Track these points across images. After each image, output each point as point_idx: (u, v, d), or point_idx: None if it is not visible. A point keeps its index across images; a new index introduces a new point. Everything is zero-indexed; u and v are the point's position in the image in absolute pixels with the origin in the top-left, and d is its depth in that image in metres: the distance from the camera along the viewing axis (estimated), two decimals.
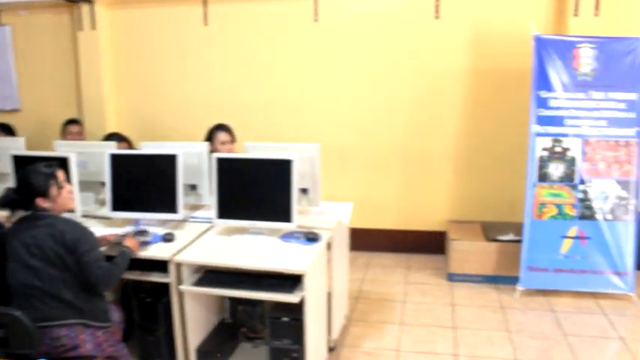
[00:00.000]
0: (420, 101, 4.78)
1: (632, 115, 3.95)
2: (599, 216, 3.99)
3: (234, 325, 3.28)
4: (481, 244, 4.34)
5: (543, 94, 3.95)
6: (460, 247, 4.35)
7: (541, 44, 3.93)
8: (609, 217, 3.99)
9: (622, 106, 3.95)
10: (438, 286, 4.35)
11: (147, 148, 3.48)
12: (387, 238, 5.02)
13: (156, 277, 2.76)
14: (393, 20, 4.70)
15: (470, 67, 4.66)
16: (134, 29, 5.22)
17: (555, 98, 3.96)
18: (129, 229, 3.02)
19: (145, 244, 2.81)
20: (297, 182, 2.91)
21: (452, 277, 4.41)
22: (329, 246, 3.07)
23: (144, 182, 3.16)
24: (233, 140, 4.10)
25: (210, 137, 4.08)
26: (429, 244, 4.93)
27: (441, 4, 4.61)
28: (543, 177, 4.00)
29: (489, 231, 4.53)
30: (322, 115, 4.94)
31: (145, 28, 5.19)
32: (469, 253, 4.33)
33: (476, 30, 4.59)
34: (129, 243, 2.68)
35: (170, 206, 3.12)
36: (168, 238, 2.93)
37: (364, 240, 4.89)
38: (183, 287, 2.71)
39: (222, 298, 3.21)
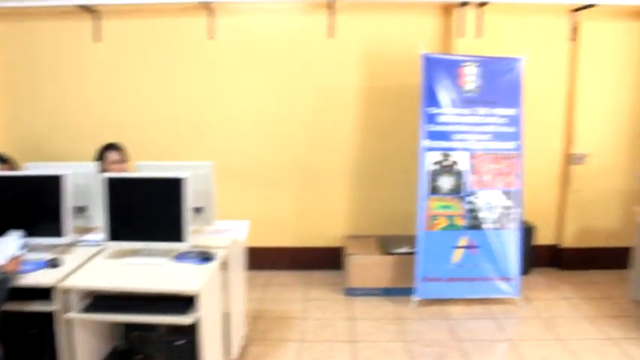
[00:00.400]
0: (316, 118, 4.94)
1: (512, 129, 4.30)
2: (486, 225, 4.29)
3: (128, 352, 3.20)
4: (377, 258, 4.53)
5: (432, 110, 4.22)
6: (357, 261, 4.51)
7: (429, 63, 4.20)
8: (496, 225, 4.30)
9: (504, 121, 4.30)
10: (337, 302, 4.48)
11: (32, 169, 3.34)
12: (285, 255, 5.11)
13: (38, 306, 2.66)
14: (288, 38, 4.84)
15: (364, 85, 4.88)
16: (18, 43, 4.98)
17: (443, 114, 4.24)
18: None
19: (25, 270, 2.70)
20: (190, 201, 2.92)
21: (350, 292, 4.55)
22: (225, 265, 3.09)
23: (28, 205, 3.03)
24: (124, 160, 4.03)
25: (100, 157, 3.99)
26: (327, 260, 5.07)
27: (335, 24, 4.79)
28: (434, 190, 4.25)
29: (385, 245, 4.73)
30: (219, 134, 4.96)
31: (31, 43, 4.96)
32: (366, 267, 4.50)
33: (368, 49, 4.83)
34: (9, 267, 2.57)
35: (56, 230, 3.02)
36: (53, 264, 2.83)
37: (263, 259, 4.95)
38: (70, 315, 2.63)
39: (115, 324, 3.13)
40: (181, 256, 2.94)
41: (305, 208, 5.07)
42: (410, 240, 4.47)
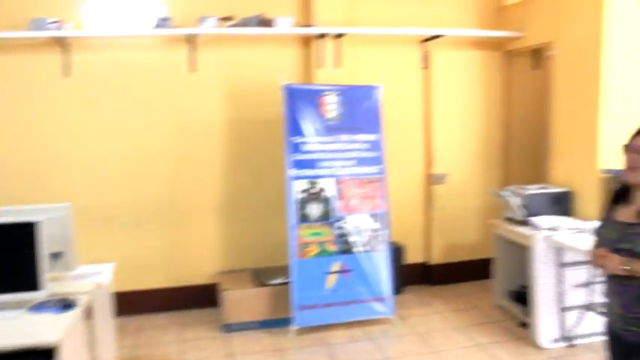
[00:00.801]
0: (181, 153, 4.94)
1: (375, 154, 4.59)
2: (356, 249, 4.50)
3: None
4: (252, 291, 4.58)
5: (296, 139, 4.40)
6: (232, 296, 4.53)
7: (291, 93, 4.40)
8: (366, 248, 4.53)
9: (366, 146, 4.58)
10: (215, 339, 4.46)
11: None
12: (158, 297, 5.01)
13: None
14: (148, 74, 4.82)
15: (228, 118, 4.98)
16: None
17: (308, 143, 4.43)
18: None
19: None
20: (46, 246, 2.82)
21: (228, 328, 4.55)
22: (89, 312, 3.00)
23: None
24: None
25: None
26: (202, 297, 5.03)
27: (197, 58, 4.86)
28: (304, 218, 4.41)
29: (260, 277, 4.80)
30: (79, 174, 4.78)
31: None
32: (242, 301, 4.54)
33: (232, 82, 4.95)
34: None
35: None
36: None
37: (134, 303, 4.82)
38: None
39: None
40: (38, 307, 2.82)
41: (175, 246, 5.02)
42: (284, 270, 4.57)
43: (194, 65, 4.86)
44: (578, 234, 4.06)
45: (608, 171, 4.20)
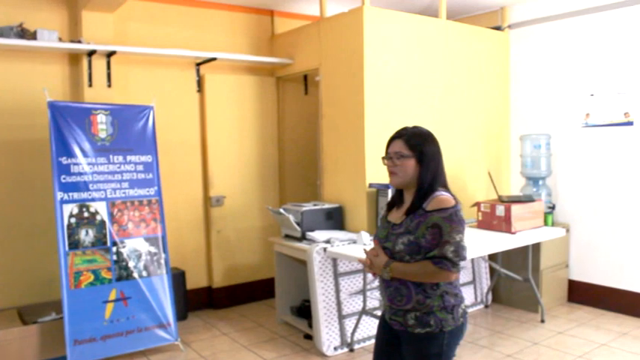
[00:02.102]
0: None
1: (150, 175, 4.52)
2: (135, 275, 4.36)
3: None
4: (18, 331, 4.17)
5: (64, 160, 4.16)
6: None
7: (57, 111, 4.16)
8: (144, 274, 4.41)
9: (141, 167, 4.49)
10: None
11: None
12: None
13: None
14: None
15: None
16: None
17: (77, 164, 4.21)
18: None
19: None
20: None
21: None
22: None
23: None
24: None
25: None
26: None
27: None
28: (75, 244, 4.16)
29: (28, 314, 4.41)
30: None
31: None
32: (5, 344, 4.09)
33: None
34: None
35: None
36: None
37: None
38: None
39: None
40: None
41: None
42: (58, 304, 4.23)
43: None
44: (350, 245, 4.43)
45: (373, 185, 4.66)
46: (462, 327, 2.41)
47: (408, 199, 2.42)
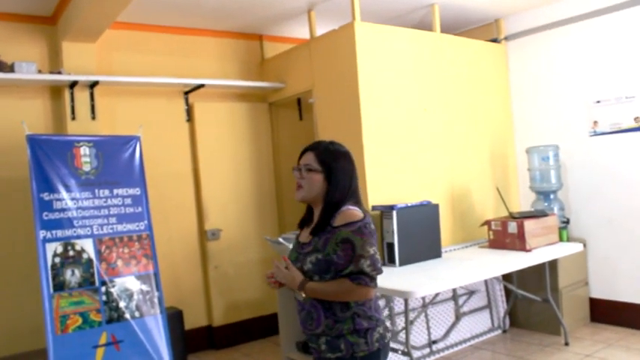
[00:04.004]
0: None
1: (139, 209, 4.27)
2: (127, 315, 4.08)
3: None
4: None
5: (46, 196, 3.92)
6: None
7: (36, 145, 3.94)
8: (137, 314, 4.12)
9: (129, 201, 4.25)
10: None
11: None
12: None
13: None
14: None
15: None
16: None
17: (60, 200, 3.97)
18: None
19: None
20: None
21: None
22: None
23: None
24: None
25: None
26: None
27: None
28: (60, 286, 3.88)
29: None
30: None
31: None
32: None
33: None
34: None
35: None
36: None
37: None
38: None
39: None
40: None
41: None
42: (45, 353, 3.94)
43: None
44: None
45: (377, 207, 4.42)
46: (379, 353, 2.24)
47: (317, 217, 2.29)
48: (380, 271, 2.18)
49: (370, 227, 2.20)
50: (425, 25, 5.34)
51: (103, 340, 3.99)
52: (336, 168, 2.27)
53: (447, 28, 5.58)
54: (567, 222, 5.16)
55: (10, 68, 4.23)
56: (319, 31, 5.10)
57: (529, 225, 4.57)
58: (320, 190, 2.26)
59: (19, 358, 4.25)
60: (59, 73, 4.45)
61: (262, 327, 5.48)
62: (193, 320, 5.20)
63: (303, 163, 2.29)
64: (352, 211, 2.20)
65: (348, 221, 2.17)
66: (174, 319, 4.69)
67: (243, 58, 5.66)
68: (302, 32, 5.63)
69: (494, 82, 5.60)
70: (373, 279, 2.16)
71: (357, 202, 2.29)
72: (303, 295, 2.21)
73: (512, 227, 4.61)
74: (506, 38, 5.74)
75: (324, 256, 2.17)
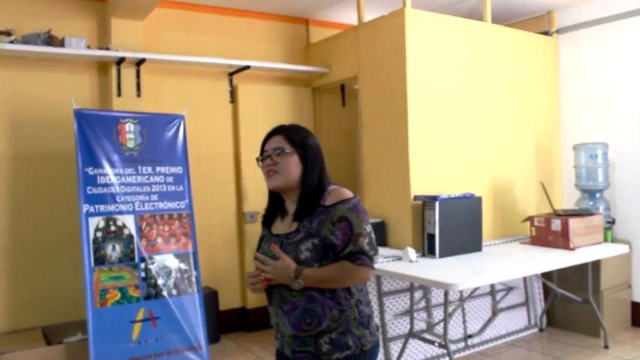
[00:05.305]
0: None
1: (180, 188, 4.25)
2: (164, 293, 4.07)
3: None
4: (41, 351, 3.91)
5: (91, 170, 3.92)
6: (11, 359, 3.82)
7: (83, 119, 3.94)
8: (174, 292, 4.11)
9: (170, 179, 4.22)
10: None
11: None
12: None
13: None
14: None
15: (10, 152, 4.31)
16: None
17: (104, 175, 3.97)
18: None
19: None
20: None
21: None
22: None
23: None
24: None
25: None
26: None
27: None
28: (101, 260, 3.89)
29: (53, 334, 4.15)
30: None
31: None
32: None
33: (14, 110, 4.32)
34: None
35: None
36: None
37: None
38: None
39: None
40: None
41: None
42: (85, 324, 3.97)
43: None
44: (394, 262, 4.09)
45: (419, 197, 4.31)
46: (378, 343, 2.10)
47: (292, 205, 2.10)
48: (377, 251, 2.02)
49: (362, 206, 2.05)
50: (475, 15, 5.18)
51: (140, 315, 3.99)
52: (310, 145, 2.11)
53: (497, 19, 5.41)
54: (613, 222, 4.97)
55: (61, 43, 4.24)
56: (367, 16, 4.98)
57: (574, 223, 4.41)
58: (296, 173, 2.07)
59: (59, 328, 4.27)
60: (107, 49, 4.43)
61: None
62: (227, 301, 5.18)
63: (273, 147, 2.10)
64: (342, 190, 2.05)
65: (343, 198, 2.01)
66: (209, 299, 4.68)
67: (288, 41, 5.58)
68: (349, 18, 5.52)
69: (544, 75, 5.42)
70: (372, 259, 1.98)
71: (332, 183, 2.12)
72: (301, 282, 1.93)
73: (556, 225, 4.46)
74: (557, 31, 5.54)
75: (321, 240, 1.98)
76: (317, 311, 1.98)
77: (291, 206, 2.11)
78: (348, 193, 2.04)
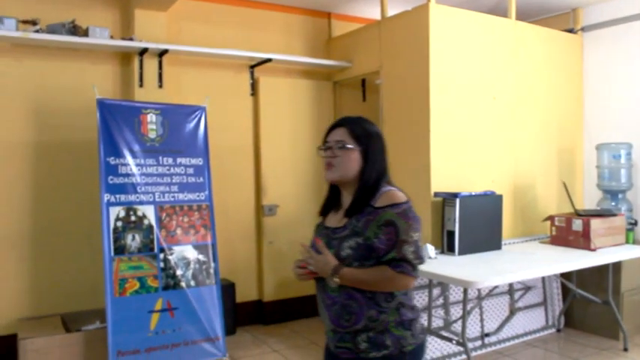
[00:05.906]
0: None
1: (200, 179, 4.24)
2: (183, 284, 4.07)
3: None
4: (61, 338, 3.94)
5: (112, 160, 3.93)
6: (33, 346, 3.83)
7: (105, 109, 3.94)
8: (193, 283, 4.11)
9: (191, 170, 4.22)
10: None
11: None
12: None
13: None
14: None
15: (32, 140, 4.33)
16: None
17: (125, 165, 3.97)
18: None
19: None
20: None
21: None
22: None
23: None
24: None
25: None
26: None
27: None
28: (121, 249, 3.89)
29: (72, 322, 4.17)
30: None
31: None
32: (46, 351, 3.86)
33: (37, 99, 4.34)
34: None
35: None
36: None
37: None
38: None
39: None
40: None
41: None
42: (104, 313, 3.98)
43: None
44: None
45: (439, 194, 4.27)
46: (423, 346, 2.03)
47: (348, 199, 2.05)
48: (423, 261, 1.96)
49: (414, 211, 1.97)
50: (499, 11, 5.10)
51: (158, 305, 4.00)
52: (373, 145, 2.04)
53: (521, 16, 5.32)
54: (635, 224, 4.89)
55: (85, 33, 4.24)
56: (390, 11, 4.93)
57: (595, 224, 4.35)
58: (355, 170, 2.01)
59: (78, 316, 4.29)
60: (130, 39, 4.43)
61: (312, 305, 5.41)
62: (244, 293, 5.17)
63: (335, 140, 2.03)
64: (396, 192, 1.98)
65: (393, 202, 1.93)
66: (226, 291, 4.67)
67: (310, 35, 5.55)
68: (371, 12, 5.47)
69: (567, 74, 5.33)
70: (415, 268, 1.93)
71: (390, 184, 2.06)
72: (337, 280, 1.91)
73: (577, 225, 4.40)
74: (582, 29, 5.45)
75: (364, 240, 1.92)
76: (354, 309, 1.95)
77: (346, 200, 2.06)
78: (400, 197, 1.96)
